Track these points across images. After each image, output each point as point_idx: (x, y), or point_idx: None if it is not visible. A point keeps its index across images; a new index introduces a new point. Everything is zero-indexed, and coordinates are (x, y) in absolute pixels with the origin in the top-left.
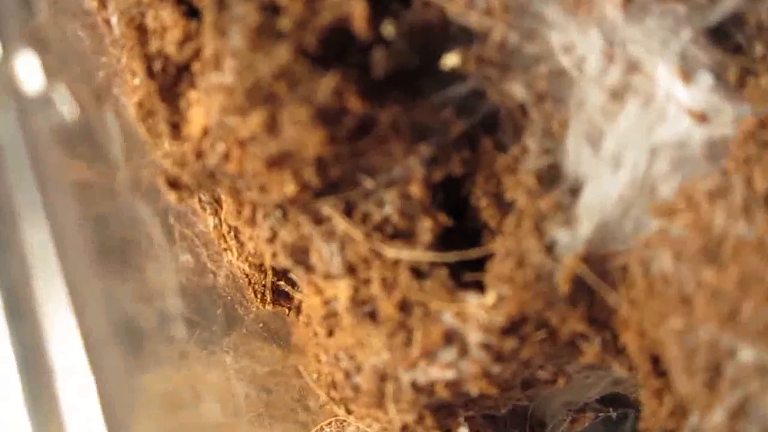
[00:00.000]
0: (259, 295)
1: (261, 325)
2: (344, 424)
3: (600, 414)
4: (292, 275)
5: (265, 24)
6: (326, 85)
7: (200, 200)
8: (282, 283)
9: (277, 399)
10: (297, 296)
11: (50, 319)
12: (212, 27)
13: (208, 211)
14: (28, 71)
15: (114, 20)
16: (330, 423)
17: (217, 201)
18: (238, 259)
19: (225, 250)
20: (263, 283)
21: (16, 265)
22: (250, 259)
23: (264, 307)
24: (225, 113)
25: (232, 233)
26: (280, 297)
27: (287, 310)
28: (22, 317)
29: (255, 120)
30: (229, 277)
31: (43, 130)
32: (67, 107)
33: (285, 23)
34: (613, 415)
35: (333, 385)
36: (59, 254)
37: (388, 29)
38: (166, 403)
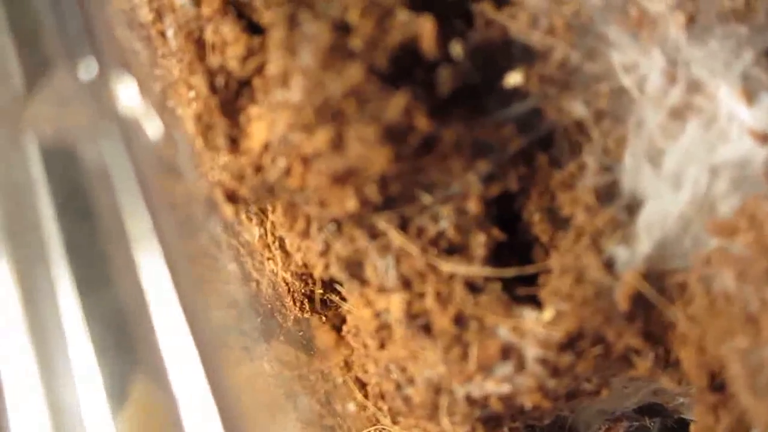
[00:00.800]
0: (298, 304)
1: (301, 333)
2: None
3: (634, 423)
4: (337, 286)
5: (336, 43)
6: (396, 104)
7: (246, 211)
8: (321, 291)
9: (305, 404)
10: (344, 306)
11: (166, 333)
12: (281, 45)
13: (254, 221)
14: (124, 92)
15: (170, 33)
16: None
17: (263, 212)
18: (281, 268)
19: (268, 259)
20: (303, 292)
21: (131, 287)
22: (293, 268)
23: (303, 315)
24: (291, 130)
25: (276, 243)
26: (319, 306)
27: (323, 318)
28: (136, 334)
29: (321, 137)
30: (270, 285)
31: (142, 151)
32: (152, 124)
33: (356, 43)
34: (649, 424)
35: (381, 395)
36: (172, 274)
37: (456, 49)
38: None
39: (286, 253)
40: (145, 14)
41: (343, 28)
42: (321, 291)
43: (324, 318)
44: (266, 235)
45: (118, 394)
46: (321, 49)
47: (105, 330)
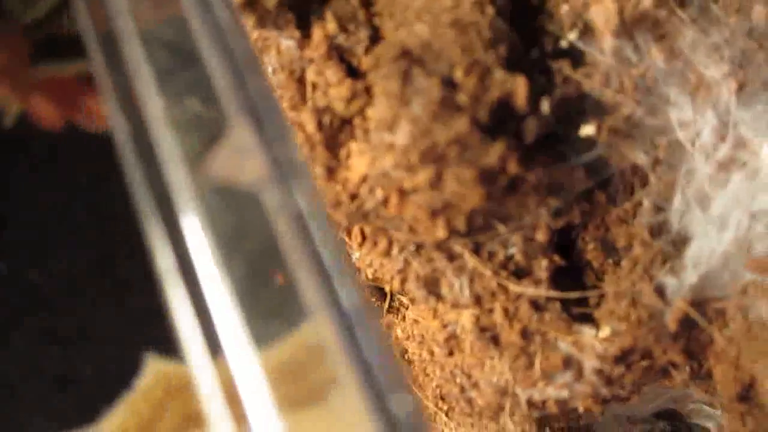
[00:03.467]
0: None
1: None
2: None
3: (647, 426)
4: (400, 297)
5: (445, 97)
6: (495, 152)
7: None
8: (388, 303)
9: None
10: (409, 316)
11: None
12: (394, 95)
13: None
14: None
15: (269, 70)
16: None
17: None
18: None
19: None
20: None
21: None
22: (360, 282)
23: None
24: (395, 167)
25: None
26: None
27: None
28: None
29: (423, 176)
30: None
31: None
32: None
33: (462, 98)
34: (667, 429)
35: (442, 396)
36: None
37: (545, 106)
38: None
39: (358, 269)
40: None
41: (450, 84)
42: (388, 303)
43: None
44: None
45: None
46: (431, 101)
47: None
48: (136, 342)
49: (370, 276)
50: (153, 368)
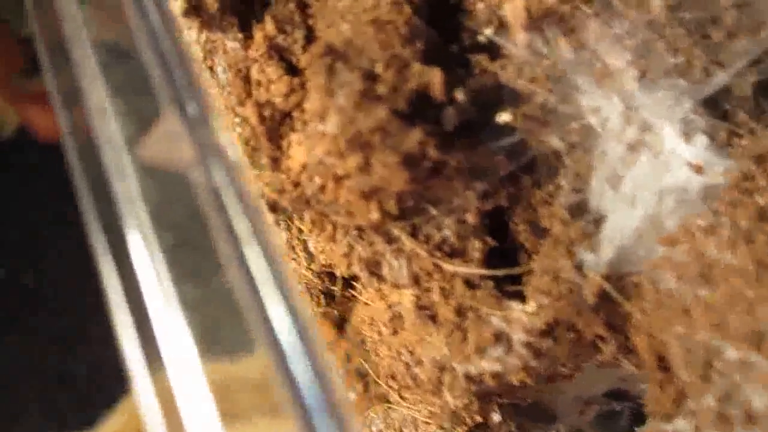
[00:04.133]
0: (315, 299)
1: None
2: (389, 410)
3: (604, 406)
4: (354, 283)
5: (366, 89)
6: (413, 138)
7: (276, 219)
8: (340, 287)
9: None
10: (361, 299)
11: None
12: (322, 88)
13: (282, 227)
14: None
15: (219, 69)
16: (376, 410)
17: (290, 219)
18: (303, 268)
19: (292, 259)
20: (320, 288)
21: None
22: (314, 268)
23: (318, 308)
24: (327, 155)
25: (301, 246)
26: (332, 300)
27: (335, 312)
28: None
29: (352, 162)
30: None
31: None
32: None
33: (382, 89)
34: (617, 407)
35: (392, 376)
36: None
37: (459, 95)
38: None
39: (310, 255)
40: (197, 52)
41: (371, 77)
42: (340, 287)
43: (336, 311)
44: (292, 238)
45: None
46: (354, 93)
47: None
48: None
49: (323, 261)
50: None
